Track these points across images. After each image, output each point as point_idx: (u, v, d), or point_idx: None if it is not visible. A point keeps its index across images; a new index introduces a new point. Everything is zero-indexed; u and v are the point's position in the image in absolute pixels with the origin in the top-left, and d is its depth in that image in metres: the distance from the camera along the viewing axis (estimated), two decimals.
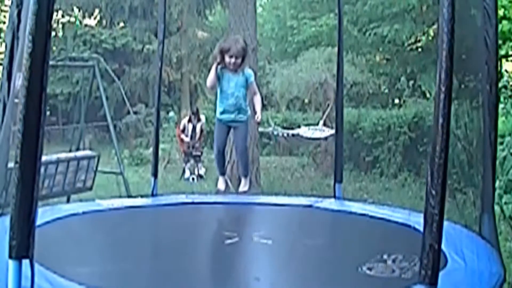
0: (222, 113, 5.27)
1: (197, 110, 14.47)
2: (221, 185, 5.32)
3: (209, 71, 5.34)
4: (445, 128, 2.26)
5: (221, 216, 5.46)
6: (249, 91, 5.38)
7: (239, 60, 5.16)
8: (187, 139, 13.80)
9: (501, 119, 8.77)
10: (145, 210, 5.75)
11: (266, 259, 4.28)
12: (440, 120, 2.25)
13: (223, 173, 5.37)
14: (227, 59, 5.15)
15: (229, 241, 4.41)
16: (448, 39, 2.19)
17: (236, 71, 5.22)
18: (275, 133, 13.12)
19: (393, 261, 3.71)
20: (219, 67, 5.23)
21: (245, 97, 5.30)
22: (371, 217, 5.30)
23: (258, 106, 5.40)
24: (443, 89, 2.22)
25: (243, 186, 5.30)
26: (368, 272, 3.56)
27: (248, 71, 5.34)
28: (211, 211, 5.46)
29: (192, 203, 5.93)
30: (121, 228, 4.96)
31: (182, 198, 6.23)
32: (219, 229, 5.03)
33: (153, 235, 4.92)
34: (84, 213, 5.30)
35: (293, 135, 12.66)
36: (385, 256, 3.78)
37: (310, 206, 5.81)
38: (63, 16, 23.37)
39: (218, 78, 5.23)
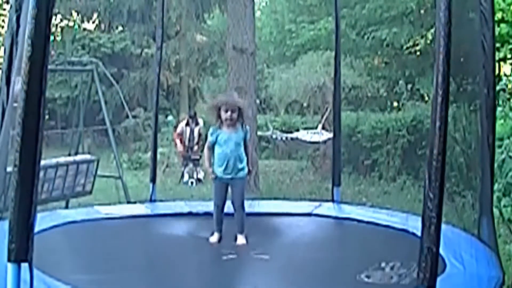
0: (220, 172, 5.19)
1: (195, 113, 14.44)
2: (214, 240, 5.23)
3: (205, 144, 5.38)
4: (443, 131, 2.26)
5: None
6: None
7: (235, 114, 5.12)
8: (180, 145, 13.82)
9: (499, 122, 8.78)
10: (143, 219, 5.76)
11: (265, 267, 4.29)
12: (438, 123, 2.25)
13: (219, 231, 5.26)
14: (223, 114, 5.12)
15: (226, 257, 4.43)
16: (445, 43, 2.19)
17: (233, 127, 5.17)
18: (274, 136, 13.14)
19: (391, 268, 3.72)
20: (215, 127, 5.21)
21: (243, 155, 5.24)
22: (370, 223, 5.31)
23: (249, 158, 5.38)
24: (440, 92, 2.23)
25: (240, 240, 5.20)
26: (366, 279, 3.57)
27: (246, 128, 5.30)
28: (209, 222, 5.45)
29: (190, 213, 5.95)
30: (119, 237, 4.97)
31: (180, 205, 6.23)
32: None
33: (151, 245, 4.91)
34: (82, 220, 5.32)
35: (291, 138, 12.69)
36: (383, 264, 3.78)
37: (309, 214, 5.83)
38: (61, 20, 23.36)
39: (216, 139, 5.19)
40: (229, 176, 5.17)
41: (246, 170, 5.28)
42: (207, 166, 5.42)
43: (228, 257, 4.46)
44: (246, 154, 5.30)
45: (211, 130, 5.27)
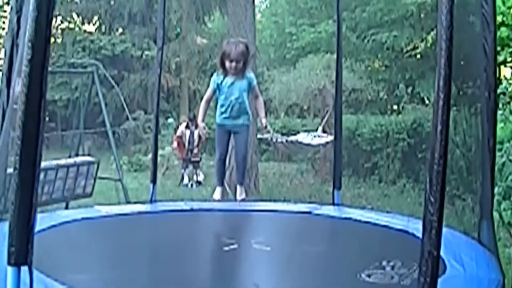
0: (223, 118, 5.11)
1: (194, 116, 14.45)
2: (217, 195, 5.15)
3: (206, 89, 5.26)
4: (444, 135, 2.25)
5: (220, 223, 5.45)
6: (251, 95, 5.27)
7: (240, 64, 5.00)
8: (177, 150, 13.85)
9: (499, 125, 8.79)
10: (144, 216, 5.75)
11: (265, 266, 4.27)
12: (439, 127, 2.25)
13: (222, 184, 5.18)
14: (227, 64, 5.01)
15: (227, 247, 4.41)
16: (446, 46, 2.19)
17: (237, 76, 5.06)
18: (274, 139, 13.11)
19: (392, 267, 3.71)
20: (219, 73, 5.09)
21: (248, 101, 5.14)
22: (370, 223, 5.30)
23: (261, 111, 5.27)
24: (441, 96, 2.22)
25: (240, 194, 5.14)
26: (367, 279, 3.55)
27: (251, 75, 5.19)
28: (209, 218, 5.44)
29: (191, 210, 5.93)
30: (120, 234, 4.95)
31: (181, 204, 6.23)
32: (218, 236, 5.02)
33: (152, 242, 4.90)
34: (83, 219, 5.30)
35: (291, 141, 12.64)
36: (384, 263, 3.78)
37: (309, 212, 5.81)
38: (62, 22, 23.38)
39: (218, 87, 5.07)
40: (233, 122, 5.06)
41: (250, 118, 5.18)
42: (200, 120, 5.24)
43: (230, 247, 4.44)
44: (258, 103, 5.19)
45: (214, 76, 5.13)
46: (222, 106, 5.11)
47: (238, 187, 5.08)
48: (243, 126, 5.16)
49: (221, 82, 5.08)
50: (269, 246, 4.45)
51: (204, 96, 5.29)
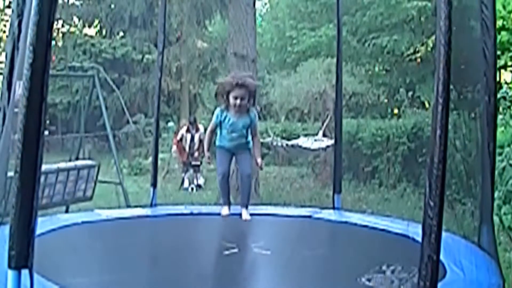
0: (224, 143, 5.04)
1: (195, 119, 14.46)
2: (225, 212, 5.04)
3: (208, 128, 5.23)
4: (443, 139, 2.26)
5: (220, 227, 5.45)
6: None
7: (244, 102, 4.84)
8: (177, 153, 13.87)
9: (500, 130, 8.79)
10: (144, 220, 5.75)
11: (265, 270, 4.27)
12: (438, 132, 2.25)
13: (228, 203, 5.06)
14: (231, 100, 4.84)
15: (228, 252, 4.41)
16: (445, 51, 2.20)
17: (241, 112, 4.92)
18: (274, 143, 13.12)
19: (392, 272, 3.71)
20: (222, 107, 4.95)
21: (247, 135, 5.06)
22: (370, 227, 5.31)
23: (257, 151, 5.16)
24: (440, 100, 2.23)
25: (245, 216, 5.04)
26: (367, 283, 3.56)
27: (253, 112, 5.04)
28: (209, 222, 5.44)
29: (191, 214, 5.94)
30: (120, 238, 4.95)
31: (181, 208, 6.23)
32: (218, 240, 5.02)
33: (152, 246, 4.91)
34: (83, 223, 5.30)
35: (292, 145, 12.65)
36: (384, 267, 3.78)
37: (309, 217, 5.81)
38: (63, 26, 23.40)
39: (220, 122, 4.98)
40: (233, 145, 4.96)
41: (250, 144, 5.07)
42: (206, 150, 5.22)
43: (231, 251, 4.44)
44: (255, 143, 5.08)
45: (217, 111, 5.01)
46: (223, 137, 5.05)
47: (244, 211, 4.96)
48: (245, 148, 5.08)
49: (224, 119, 4.97)
50: (269, 250, 4.46)
51: (208, 128, 5.25)
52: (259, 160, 5.17)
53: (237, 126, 4.97)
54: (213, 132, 5.11)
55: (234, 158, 5.17)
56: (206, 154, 5.23)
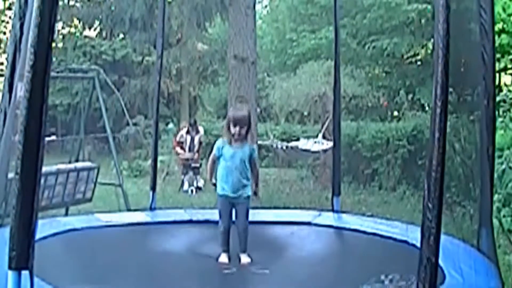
0: (224, 190, 5.14)
1: (195, 121, 14.46)
2: (223, 259, 5.16)
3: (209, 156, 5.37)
4: (442, 142, 2.27)
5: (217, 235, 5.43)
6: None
7: (243, 130, 5.10)
8: (181, 151, 13.86)
9: (499, 133, 8.80)
10: (144, 227, 5.76)
11: (264, 279, 4.29)
12: (437, 135, 2.26)
13: (227, 251, 5.19)
14: (232, 128, 5.09)
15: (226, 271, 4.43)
16: (443, 55, 2.20)
17: (241, 142, 5.14)
18: (274, 145, 13.14)
19: (391, 280, 3.72)
20: (222, 140, 5.19)
21: (248, 171, 5.18)
22: (369, 233, 5.31)
23: (256, 180, 5.39)
24: (439, 103, 2.24)
25: (244, 259, 5.16)
26: None
27: (252, 146, 5.29)
28: (208, 229, 5.44)
29: (190, 221, 5.95)
30: (120, 245, 4.97)
31: (180, 213, 6.23)
32: (216, 248, 5.03)
33: (151, 253, 4.91)
34: (83, 228, 5.32)
35: (292, 147, 12.69)
36: (382, 276, 3.79)
37: (308, 223, 5.82)
38: (63, 27, 23.40)
39: (221, 154, 5.16)
40: (234, 195, 5.11)
41: (250, 189, 5.21)
42: (209, 178, 5.41)
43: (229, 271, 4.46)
44: (254, 174, 5.27)
45: (218, 142, 5.23)
46: (222, 175, 5.16)
47: (242, 256, 5.09)
48: (244, 199, 5.18)
49: (224, 149, 5.17)
50: (268, 259, 4.47)
51: (209, 158, 5.39)
52: (256, 189, 5.45)
53: (236, 158, 5.13)
54: (214, 162, 5.31)
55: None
56: (212, 181, 5.39)
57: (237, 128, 5.07)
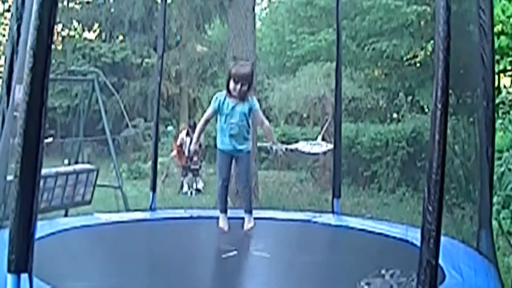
0: (224, 143, 5.01)
1: (195, 123, 14.46)
2: (223, 224, 5.04)
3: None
4: (442, 144, 2.26)
5: (219, 231, 5.44)
6: (255, 120, 5.19)
7: (244, 87, 4.93)
8: (175, 156, 13.88)
9: (498, 135, 8.79)
10: (144, 224, 5.75)
11: (264, 274, 4.27)
12: (437, 137, 2.26)
13: (225, 210, 5.07)
14: (232, 85, 4.94)
15: (227, 255, 4.41)
16: (443, 57, 2.20)
17: (240, 98, 4.98)
18: (274, 147, 13.11)
19: (391, 276, 3.71)
20: (221, 94, 5.03)
21: (249, 126, 5.06)
22: (369, 232, 5.30)
23: (271, 137, 5.27)
24: (439, 106, 2.23)
25: (248, 224, 5.03)
26: (366, 287, 3.56)
27: (253, 99, 5.11)
28: (209, 226, 5.43)
29: (191, 217, 5.93)
30: (120, 242, 4.95)
31: (180, 212, 6.23)
32: (217, 243, 5.01)
33: (152, 250, 4.91)
34: (82, 227, 5.30)
35: (291, 149, 12.65)
36: (383, 271, 3.78)
37: (308, 221, 5.81)
38: (62, 30, 23.40)
39: (219, 108, 4.99)
40: (234, 147, 4.97)
41: (250, 144, 5.10)
42: (194, 141, 5.29)
43: (230, 254, 4.43)
44: (264, 129, 5.17)
45: (216, 95, 5.07)
46: (222, 130, 5.03)
47: (246, 216, 4.96)
48: (244, 152, 5.06)
49: (223, 103, 5.00)
50: (268, 254, 4.46)
51: (204, 115, 5.25)
52: (275, 147, 5.35)
53: (235, 112, 4.97)
54: (208, 120, 5.13)
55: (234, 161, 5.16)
56: (193, 147, 5.24)
57: (238, 86, 4.90)
